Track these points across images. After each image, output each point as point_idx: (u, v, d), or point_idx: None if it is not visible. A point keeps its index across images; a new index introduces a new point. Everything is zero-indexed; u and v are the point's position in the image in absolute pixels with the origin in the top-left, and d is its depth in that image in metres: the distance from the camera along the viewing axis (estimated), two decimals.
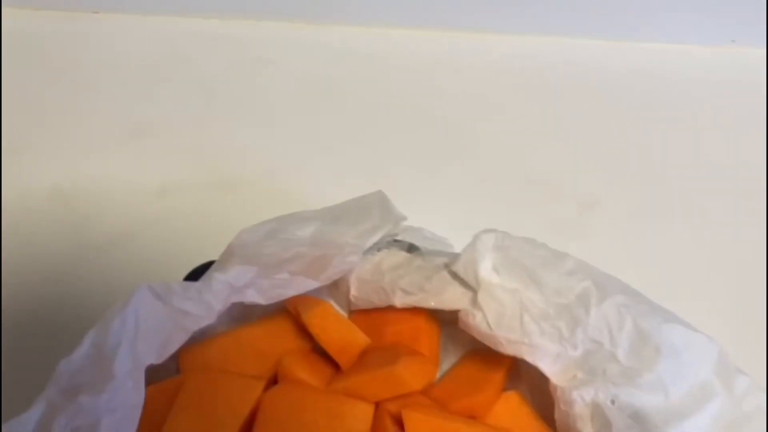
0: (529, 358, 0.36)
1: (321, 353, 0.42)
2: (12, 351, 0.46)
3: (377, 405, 0.37)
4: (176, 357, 0.40)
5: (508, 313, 0.37)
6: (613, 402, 0.35)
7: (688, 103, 0.68)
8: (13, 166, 0.59)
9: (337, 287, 0.43)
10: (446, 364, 0.44)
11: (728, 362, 0.36)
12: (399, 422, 0.36)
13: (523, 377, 0.42)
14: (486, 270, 0.38)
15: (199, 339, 0.41)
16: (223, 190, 0.58)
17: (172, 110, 0.65)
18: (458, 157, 0.63)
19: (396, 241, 0.43)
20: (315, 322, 0.39)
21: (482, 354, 0.43)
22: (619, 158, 0.64)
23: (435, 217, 0.45)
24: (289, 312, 0.42)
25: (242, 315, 0.43)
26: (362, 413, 0.36)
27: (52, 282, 0.51)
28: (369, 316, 0.42)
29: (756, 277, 0.55)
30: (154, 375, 0.37)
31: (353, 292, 0.42)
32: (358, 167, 0.62)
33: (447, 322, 0.45)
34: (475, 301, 0.38)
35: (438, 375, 0.43)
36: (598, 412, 0.35)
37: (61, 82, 0.67)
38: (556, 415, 0.37)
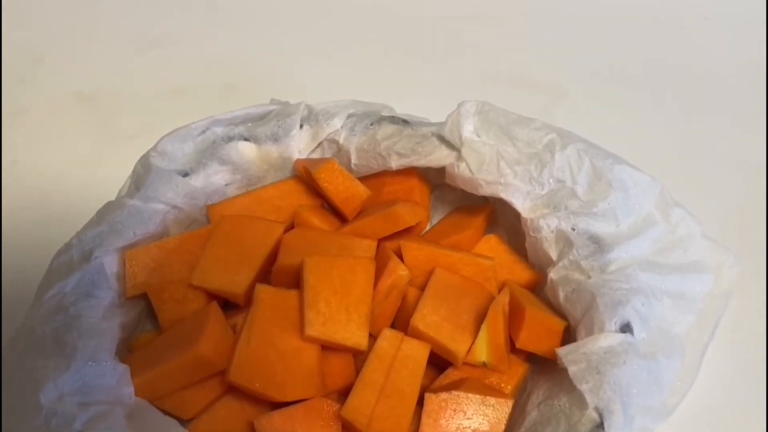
0: (504, 196, 0.43)
1: (329, 210, 0.49)
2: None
3: (379, 243, 0.44)
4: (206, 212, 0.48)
5: (487, 161, 0.44)
6: (573, 229, 0.43)
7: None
8: (40, 74, 0.65)
9: (339, 158, 0.50)
10: (435, 220, 0.51)
11: (667, 197, 0.44)
12: (398, 255, 0.44)
13: (500, 224, 0.49)
14: (468, 131, 0.45)
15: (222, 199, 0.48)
16: (229, 90, 0.64)
17: (178, 24, 0.71)
18: (440, 57, 0.70)
19: (386, 117, 0.49)
20: (323, 176, 0.45)
21: (466, 207, 0.51)
22: (586, 55, 0.70)
23: (417, 110, 0.51)
24: (299, 177, 0.49)
25: None
26: (367, 247, 0.43)
27: (82, 170, 0.58)
28: (368, 181, 0.48)
29: (715, 163, 0.61)
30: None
31: (354, 161, 0.49)
32: (349, 68, 0.68)
33: (436, 185, 0.52)
34: (459, 156, 0.45)
35: (428, 227, 0.51)
36: (561, 236, 0.43)
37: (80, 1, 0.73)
38: (527, 243, 0.45)
